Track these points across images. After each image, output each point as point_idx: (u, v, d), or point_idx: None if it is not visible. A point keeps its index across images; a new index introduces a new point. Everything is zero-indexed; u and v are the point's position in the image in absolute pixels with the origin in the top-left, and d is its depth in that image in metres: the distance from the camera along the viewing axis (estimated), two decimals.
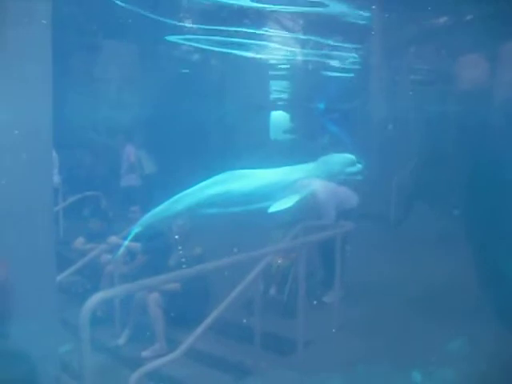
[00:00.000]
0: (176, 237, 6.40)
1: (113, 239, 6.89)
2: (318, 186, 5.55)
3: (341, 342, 5.60)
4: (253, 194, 5.19)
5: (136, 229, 6.04)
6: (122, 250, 6.72)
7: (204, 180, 5.72)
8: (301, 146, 10.37)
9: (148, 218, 5.94)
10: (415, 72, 9.95)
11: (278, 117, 14.39)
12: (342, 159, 5.65)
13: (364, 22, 8.46)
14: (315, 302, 6.33)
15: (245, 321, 5.66)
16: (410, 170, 7.49)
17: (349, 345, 5.52)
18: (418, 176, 6.80)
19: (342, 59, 10.58)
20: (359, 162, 5.62)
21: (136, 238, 6.52)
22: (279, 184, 5.28)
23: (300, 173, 5.50)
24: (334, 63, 11.02)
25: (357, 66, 10.82)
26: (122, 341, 6.25)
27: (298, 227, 6.04)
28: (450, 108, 6.68)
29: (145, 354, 5.88)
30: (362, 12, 8.13)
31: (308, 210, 6.03)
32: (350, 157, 5.69)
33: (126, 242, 6.43)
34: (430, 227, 7.36)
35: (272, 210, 5.11)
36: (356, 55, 10.39)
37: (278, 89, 14.17)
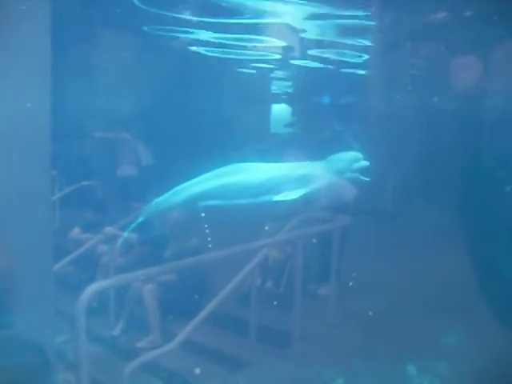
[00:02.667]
0: (172, 228, 6.38)
1: (109, 230, 6.88)
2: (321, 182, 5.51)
3: (336, 336, 5.61)
4: (258, 187, 5.14)
5: (138, 219, 5.99)
6: (119, 241, 6.69)
7: (202, 172, 5.69)
8: (301, 140, 10.33)
9: (150, 208, 5.90)
10: (419, 68, 9.91)
11: (280, 110, 14.34)
12: (348, 157, 5.59)
13: (368, 16, 8.39)
14: (311, 295, 6.34)
15: (241, 313, 5.66)
16: (409, 164, 7.48)
17: (344, 338, 5.53)
18: (417, 171, 6.79)
19: (347, 53, 10.51)
20: (366, 160, 5.54)
21: (136, 229, 6.49)
22: (285, 178, 5.24)
23: (307, 169, 5.45)
24: (338, 57, 10.94)
25: (361, 61, 10.76)
26: (116, 331, 6.24)
27: (295, 220, 6.03)
28: (454, 105, 6.65)
29: (140, 345, 5.87)
30: (364, 7, 8.07)
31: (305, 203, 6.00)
32: (356, 154, 5.62)
33: (127, 233, 6.38)
34: (428, 223, 7.36)
35: (277, 199, 5.07)
36: (361, 49, 10.32)
37: (280, 82, 14.07)
